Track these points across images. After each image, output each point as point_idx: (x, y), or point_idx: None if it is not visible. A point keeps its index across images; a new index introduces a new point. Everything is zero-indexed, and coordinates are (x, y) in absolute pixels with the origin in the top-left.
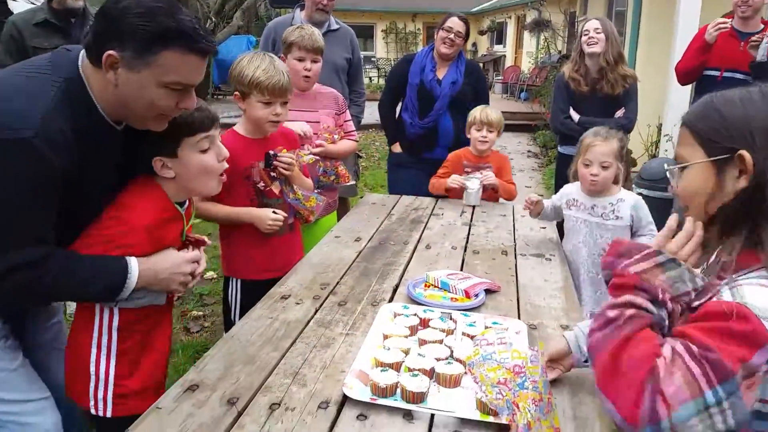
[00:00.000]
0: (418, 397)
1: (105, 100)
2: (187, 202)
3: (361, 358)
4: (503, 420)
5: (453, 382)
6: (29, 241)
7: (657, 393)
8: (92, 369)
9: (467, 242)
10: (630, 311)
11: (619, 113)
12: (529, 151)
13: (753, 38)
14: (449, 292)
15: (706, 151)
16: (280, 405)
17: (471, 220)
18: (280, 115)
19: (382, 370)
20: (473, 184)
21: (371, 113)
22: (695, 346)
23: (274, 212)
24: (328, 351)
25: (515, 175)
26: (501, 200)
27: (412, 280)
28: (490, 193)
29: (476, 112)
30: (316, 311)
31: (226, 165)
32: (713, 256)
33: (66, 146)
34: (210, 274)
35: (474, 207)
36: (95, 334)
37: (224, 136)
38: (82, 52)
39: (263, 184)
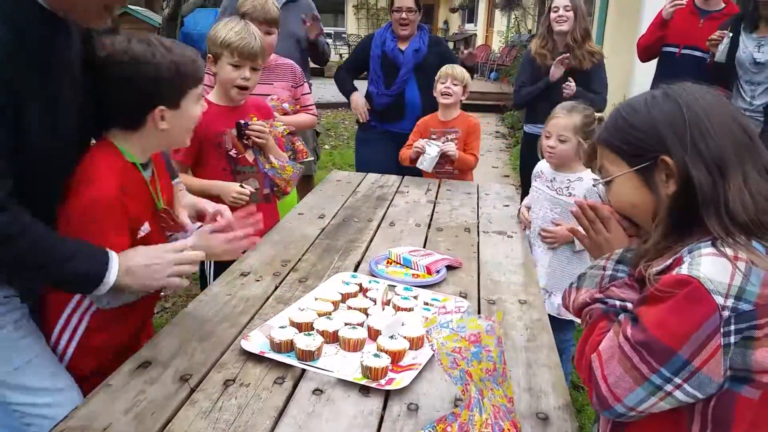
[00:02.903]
0: (308, 355)
1: None
2: (154, 172)
3: (280, 317)
4: (456, 389)
5: (353, 346)
6: None
7: (603, 382)
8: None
9: (431, 219)
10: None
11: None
12: (497, 132)
13: (714, 36)
14: (411, 268)
15: (627, 162)
16: (234, 381)
17: (436, 198)
18: (249, 80)
19: (280, 327)
20: (432, 150)
21: (339, 93)
22: (634, 332)
23: (241, 186)
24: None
25: (483, 155)
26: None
27: (375, 256)
28: (447, 164)
29: (442, 69)
30: (276, 288)
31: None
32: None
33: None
34: None
35: (440, 184)
36: (66, 312)
37: None
38: None
39: (235, 152)
